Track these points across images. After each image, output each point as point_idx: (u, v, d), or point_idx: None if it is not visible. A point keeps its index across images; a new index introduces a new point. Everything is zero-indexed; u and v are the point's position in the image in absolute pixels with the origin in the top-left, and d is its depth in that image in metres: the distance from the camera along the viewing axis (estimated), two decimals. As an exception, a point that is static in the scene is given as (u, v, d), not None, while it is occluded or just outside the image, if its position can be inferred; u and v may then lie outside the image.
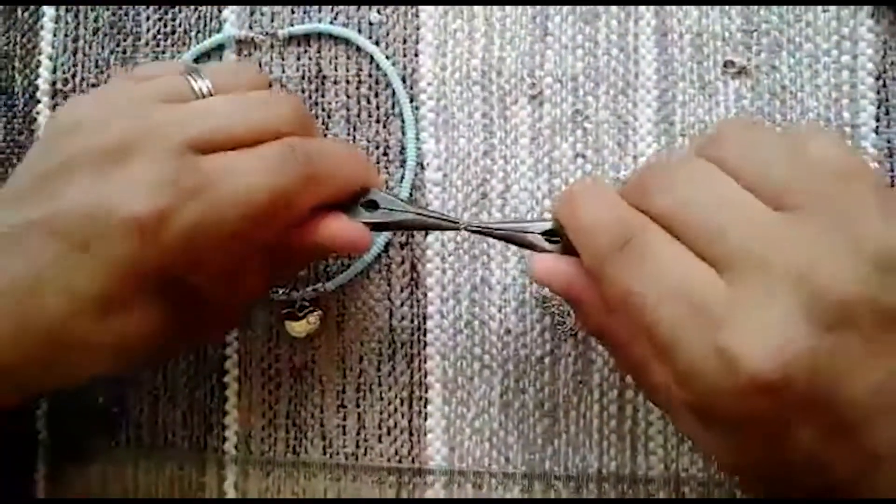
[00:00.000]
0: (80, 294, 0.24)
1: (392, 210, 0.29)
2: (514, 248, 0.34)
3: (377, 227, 0.29)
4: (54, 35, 0.37)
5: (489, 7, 0.35)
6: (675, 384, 0.23)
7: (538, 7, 0.35)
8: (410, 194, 0.35)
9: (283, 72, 0.35)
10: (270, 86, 0.32)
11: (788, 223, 0.23)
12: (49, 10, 0.37)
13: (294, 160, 0.27)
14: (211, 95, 0.28)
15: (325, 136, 0.35)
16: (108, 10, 0.37)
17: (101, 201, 0.25)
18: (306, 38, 0.35)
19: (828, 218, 0.22)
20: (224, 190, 0.26)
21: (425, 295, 0.34)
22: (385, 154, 0.35)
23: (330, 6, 0.35)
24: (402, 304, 0.35)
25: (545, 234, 0.28)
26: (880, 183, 0.24)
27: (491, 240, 0.34)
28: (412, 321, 0.34)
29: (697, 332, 0.22)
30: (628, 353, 0.25)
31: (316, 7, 0.35)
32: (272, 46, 0.36)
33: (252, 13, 0.36)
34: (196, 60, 0.36)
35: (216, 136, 0.27)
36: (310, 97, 0.35)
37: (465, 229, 0.30)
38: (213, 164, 0.26)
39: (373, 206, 0.29)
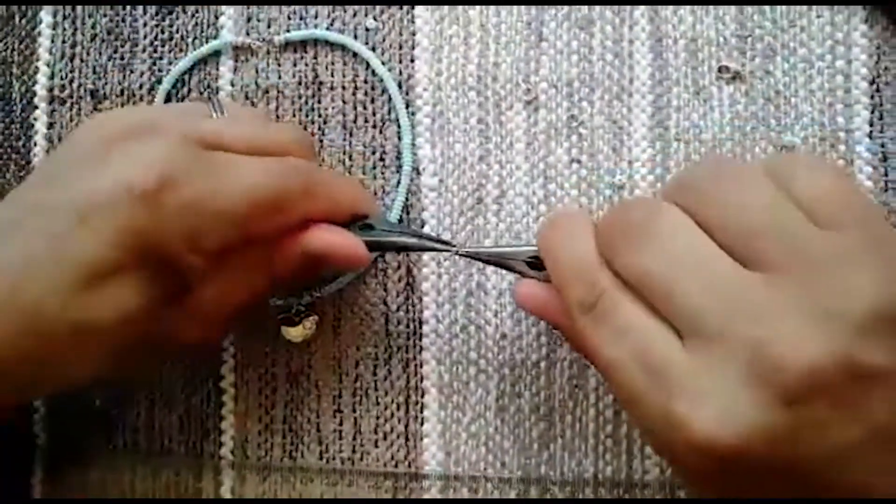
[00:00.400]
0: (70, 262, 0.25)
1: (388, 231, 0.30)
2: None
3: (372, 247, 0.30)
4: (52, 41, 0.37)
5: (485, 13, 0.35)
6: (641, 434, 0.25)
7: (533, 13, 0.35)
8: (406, 199, 0.35)
9: (280, 78, 0.35)
10: None
11: (757, 286, 0.22)
12: (46, 17, 0.37)
13: (296, 173, 0.29)
14: None
15: (322, 142, 0.35)
16: (105, 16, 0.37)
17: (108, 176, 0.26)
18: (303, 45, 0.36)
19: (805, 277, 0.22)
20: (228, 178, 0.27)
21: (421, 300, 0.35)
22: (381, 159, 0.35)
23: (327, 13, 0.35)
24: (398, 309, 0.35)
25: (531, 259, 0.29)
26: (873, 217, 0.23)
27: (485, 244, 0.34)
28: (408, 326, 0.35)
29: (652, 397, 0.23)
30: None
31: (312, 13, 0.36)
32: (269, 52, 0.36)
33: (249, 19, 0.36)
34: (193, 66, 0.36)
35: (229, 140, 0.28)
36: (306, 103, 0.35)
37: (458, 254, 0.31)
38: (222, 157, 0.28)
39: (368, 228, 0.30)
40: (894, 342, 0.21)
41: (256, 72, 0.36)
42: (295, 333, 0.34)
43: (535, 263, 0.29)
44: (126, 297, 0.26)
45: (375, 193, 0.35)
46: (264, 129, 0.30)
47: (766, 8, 0.34)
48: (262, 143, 0.29)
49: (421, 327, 0.34)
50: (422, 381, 0.34)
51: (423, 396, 0.34)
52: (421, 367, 0.34)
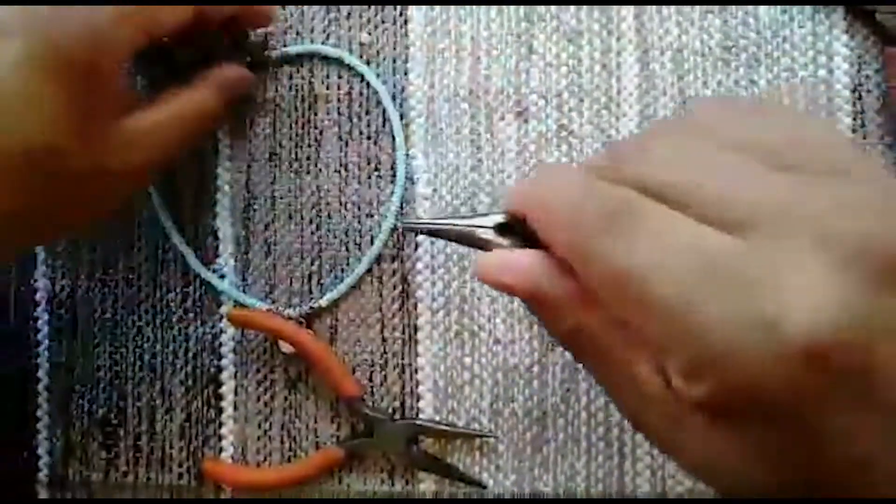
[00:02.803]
0: None
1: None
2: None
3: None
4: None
5: (476, 27, 0.36)
6: (684, 378, 0.19)
7: (523, 26, 0.36)
8: (401, 208, 0.35)
9: (277, 91, 0.36)
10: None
11: (797, 179, 0.19)
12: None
13: None
14: None
15: (318, 153, 0.36)
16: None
17: None
18: (299, 58, 0.36)
19: (840, 173, 0.19)
20: None
21: (416, 306, 0.35)
22: (376, 169, 0.36)
23: (322, 28, 0.36)
24: (393, 316, 0.35)
25: (497, 226, 0.24)
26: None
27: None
28: (403, 332, 0.35)
29: (721, 302, 0.18)
30: (608, 357, 0.22)
31: (308, 28, 0.36)
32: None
33: (247, 35, 0.37)
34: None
35: None
36: (303, 115, 0.36)
37: (405, 229, 0.31)
38: None
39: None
40: None
41: (254, 84, 0.37)
42: (288, 347, 0.35)
43: (504, 228, 0.24)
44: (44, 116, 0.26)
45: (370, 203, 0.36)
46: None
47: (751, 19, 0.35)
48: None
49: (416, 333, 0.35)
50: (417, 386, 0.35)
51: (418, 401, 0.35)
52: (416, 372, 0.35)
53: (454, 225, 0.25)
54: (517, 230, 0.23)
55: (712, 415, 0.20)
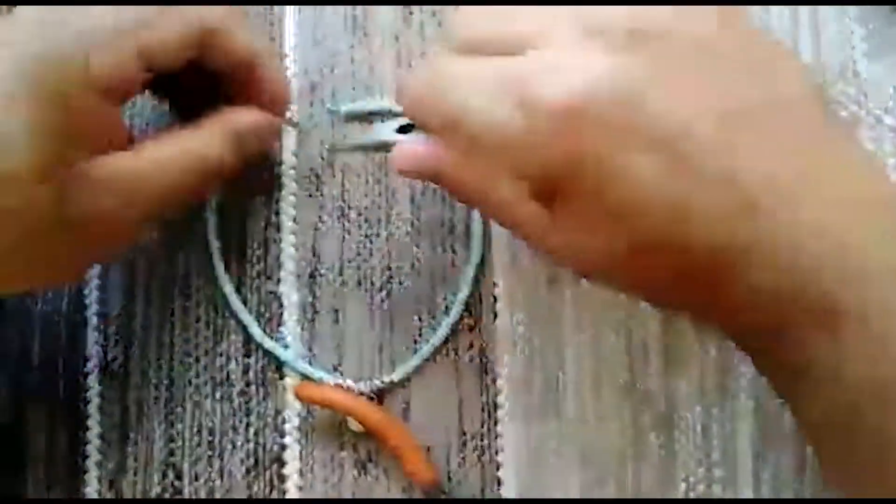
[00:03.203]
0: None
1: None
2: (588, 330, 0.32)
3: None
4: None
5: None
6: (509, 182, 0.23)
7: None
8: (476, 275, 0.33)
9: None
10: None
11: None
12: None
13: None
14: None
15: (389, 216, 0.34)
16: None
17: None
18: (368, 115, 0.34)
19: None
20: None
21: (495, 382, 0.33)
22: (451, 232, 0.34)
23: (389, 81, 0.34)
24: (471, 393, 0.33)
25: (401, 129, 0.28)
26: None
27: (562, 322, 0.32)
28: (482, 410, 0.33)
29: (505, 105, 0.22)
30: (494, 198, 0.24)
31: (378, 84, 0.34)
32: (333, 124, 0.35)
33: (313, 88, 0.35)
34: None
35: None
36: (373, 175, 0.34)
37: (331, 150, 0.33)
38: None
39: None
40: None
41: (321, 143, 0.34)
42: (357, 425, 0.32)
43: (406, 129, 0.27)
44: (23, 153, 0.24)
45: (445, 268, 0.33)
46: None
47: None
48: None
49: (496, 412, 0.33)
50: (498, 470, 0.32)
51: (499, 487, 0.32)
52: (497, 454, 0.32)
53: (370, 137, 0.30)
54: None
55: (537, 206, 0.23)
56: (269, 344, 0.34)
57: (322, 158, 0.34)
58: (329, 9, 0.35)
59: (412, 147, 0.26)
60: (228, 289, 0.34)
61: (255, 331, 0.34)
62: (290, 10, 0.35)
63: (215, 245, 0.34)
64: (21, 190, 0.24)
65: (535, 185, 0.23)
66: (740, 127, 0.21)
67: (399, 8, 0.35)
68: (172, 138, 0.28)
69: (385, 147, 0.28)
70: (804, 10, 0.34)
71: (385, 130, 0.28)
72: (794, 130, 0.22)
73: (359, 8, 0.35)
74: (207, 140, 0.28)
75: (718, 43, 0.22)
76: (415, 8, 0.35)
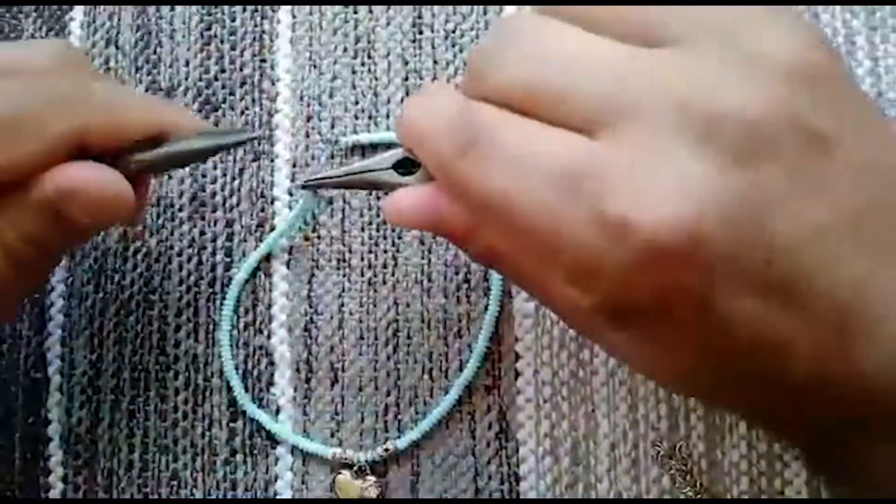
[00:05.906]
0: None
1: (177, 142, 0.24)
2: (621, 391, 0.29)
3: (154, 167, 0.24)
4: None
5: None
6: (571, 286, 0.19)
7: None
8: (495, 328, 0.29)
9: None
10: None
11: (659, 56, 0.19)
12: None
13: (48, 85, 0.23)
14: None
15: (396, 259, 0.30)
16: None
17: None
18: (372, 147, 0.31)
19: (711, 39, 0.19)
20: None
21: (517, 450, 0.29)
22: (466, 280, 0.30)
23: (390, 113, 0.31)
24: (489, 462, 0.29)
25: (398, 167, 0.23)
26: None
27: (593, 382, 0.29)
28: (502, 482, 0.29)
29: (575, 210, 0.18)
30: (520, 271, 0.21)
31: (383, 113, 0.31)
32: (332, 156, 0.31)
33: (309, 118, 0.31)
34: (242, 172, 0.31)
35: None
36: (377, 215, 0.30)
37: (301, 187, 0.27)
38: None
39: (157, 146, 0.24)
40: (830, 101, 0.18)
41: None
42: (348, 488, 0.29)
43: (405, 163, 0.23)
44: None
45: (459, 321, 0.30)
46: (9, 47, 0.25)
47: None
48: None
49: (518, 484, 0.29)
50: (521, 552, 0.29)
51: (524, 572, 0.28)
52: (520, 534, 0.29)
53: (355, 172, 0.24)
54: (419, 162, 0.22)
55: (606, 319, 0.19)
56: (254, 412, 0.29)
57: (315, 194, 0.30)
58: (328, 26, 0.32)
59: (408, 197, 0.22)
60: (211, 344, 0.30)
61: (241, 394, 0.30)
62: (283, 28, 0.32)
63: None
64: None
65: (603, 302, 0.19)
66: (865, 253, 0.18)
67: (407, 26, 0.31)
68: None
69: (374, 186, 0.24)
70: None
71: (378, 165, 0.23)
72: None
73: (361, 26, 0.32)
74: (26, 207, 0.23)
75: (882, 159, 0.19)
76: (425, 27, 0.31)
